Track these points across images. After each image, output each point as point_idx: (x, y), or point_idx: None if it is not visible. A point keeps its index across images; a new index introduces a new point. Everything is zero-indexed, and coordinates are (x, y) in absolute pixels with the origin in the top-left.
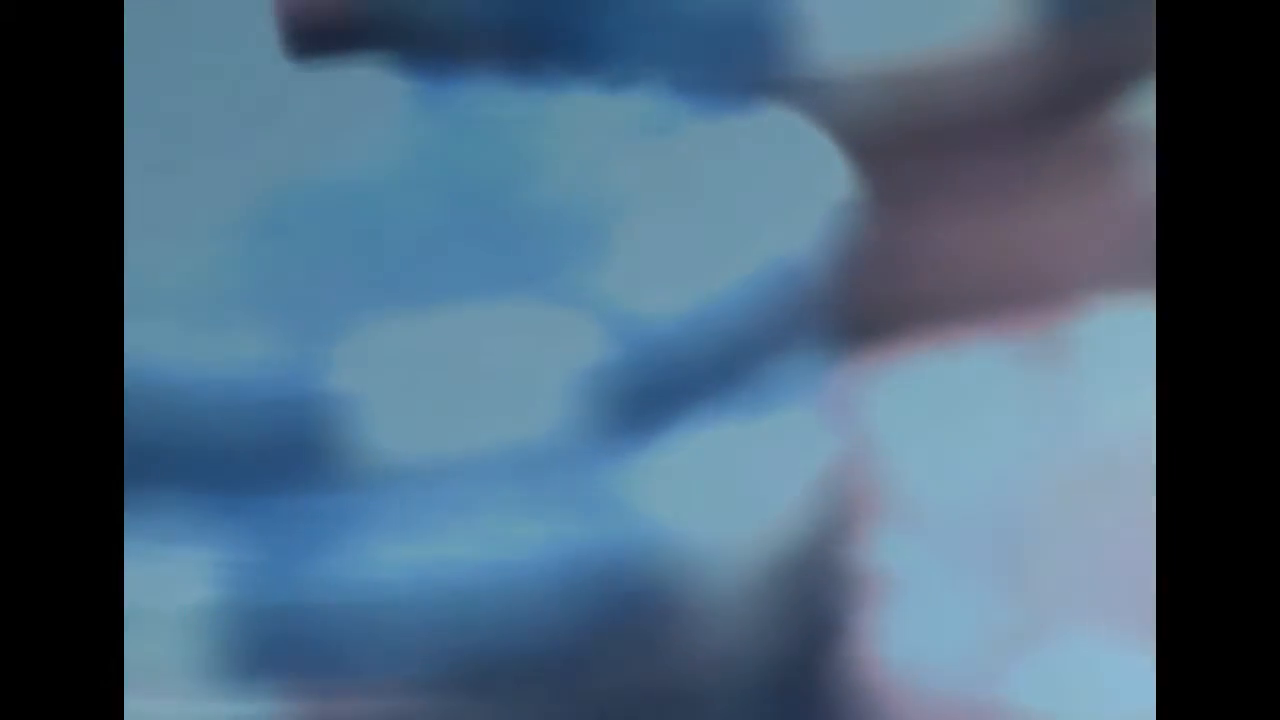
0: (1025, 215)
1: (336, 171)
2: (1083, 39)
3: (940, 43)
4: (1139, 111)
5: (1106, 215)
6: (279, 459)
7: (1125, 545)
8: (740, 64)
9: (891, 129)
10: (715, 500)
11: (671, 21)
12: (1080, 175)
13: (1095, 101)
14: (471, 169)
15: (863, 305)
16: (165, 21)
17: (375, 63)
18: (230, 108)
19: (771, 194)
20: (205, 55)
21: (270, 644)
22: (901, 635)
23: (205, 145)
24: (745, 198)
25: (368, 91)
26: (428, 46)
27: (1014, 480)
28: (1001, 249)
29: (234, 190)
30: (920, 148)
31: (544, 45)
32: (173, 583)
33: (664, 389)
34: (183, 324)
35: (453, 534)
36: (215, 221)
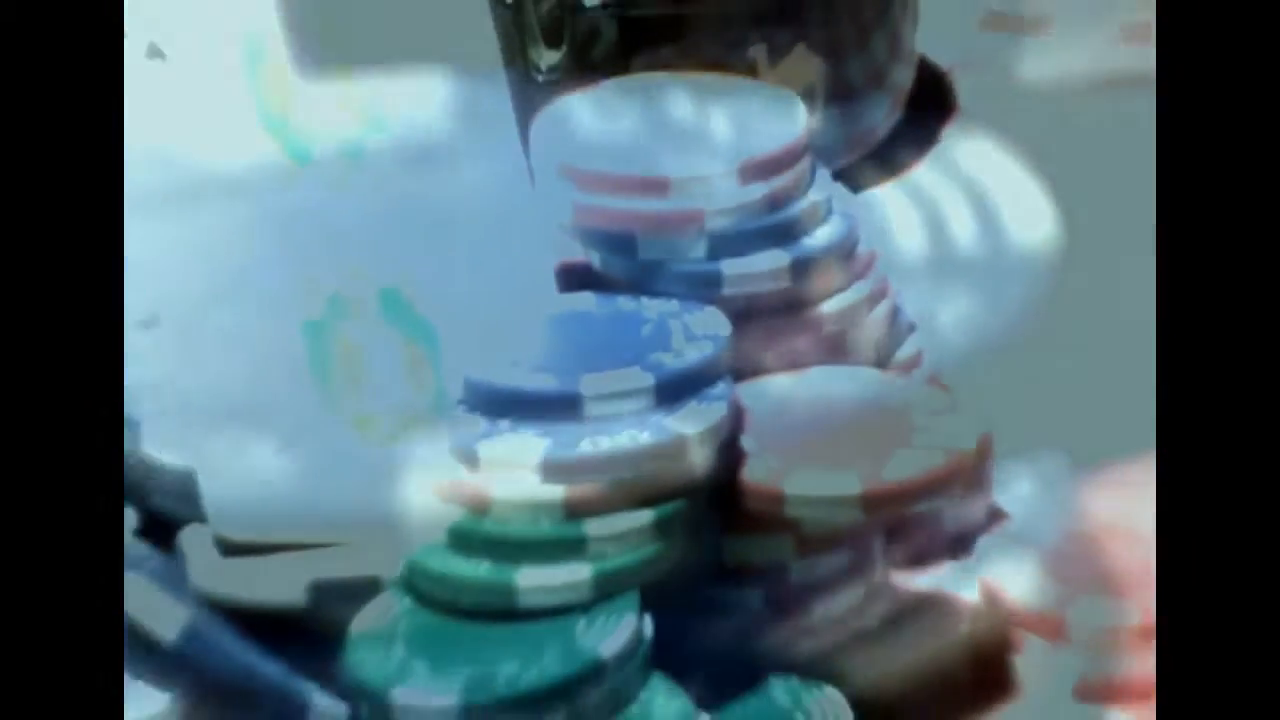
0: (794, 342)
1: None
2: (810, 278)
3: (753, 275)
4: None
5: (821, 346)
6: (553, 406)
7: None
8: (695, 294)
9: (748, 314)
10: (701, 423)
11: (677, 283)
12: (809, 331)
13: (815, 300)
14: (620, 327)
15: (743, 370)
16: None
17: (587, 291)
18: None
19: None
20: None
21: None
22: (749, 466)
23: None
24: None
25: (583, 302)
26: (609, 285)
27: (797, 417)
28: (789, 355)
29: (513, 324)
30: (755, 321)
31: (646, 290)
32: (516, 448)
33: (685, 393)
34: (501, 367)
35: (616, 435)
36: (508, 343)
